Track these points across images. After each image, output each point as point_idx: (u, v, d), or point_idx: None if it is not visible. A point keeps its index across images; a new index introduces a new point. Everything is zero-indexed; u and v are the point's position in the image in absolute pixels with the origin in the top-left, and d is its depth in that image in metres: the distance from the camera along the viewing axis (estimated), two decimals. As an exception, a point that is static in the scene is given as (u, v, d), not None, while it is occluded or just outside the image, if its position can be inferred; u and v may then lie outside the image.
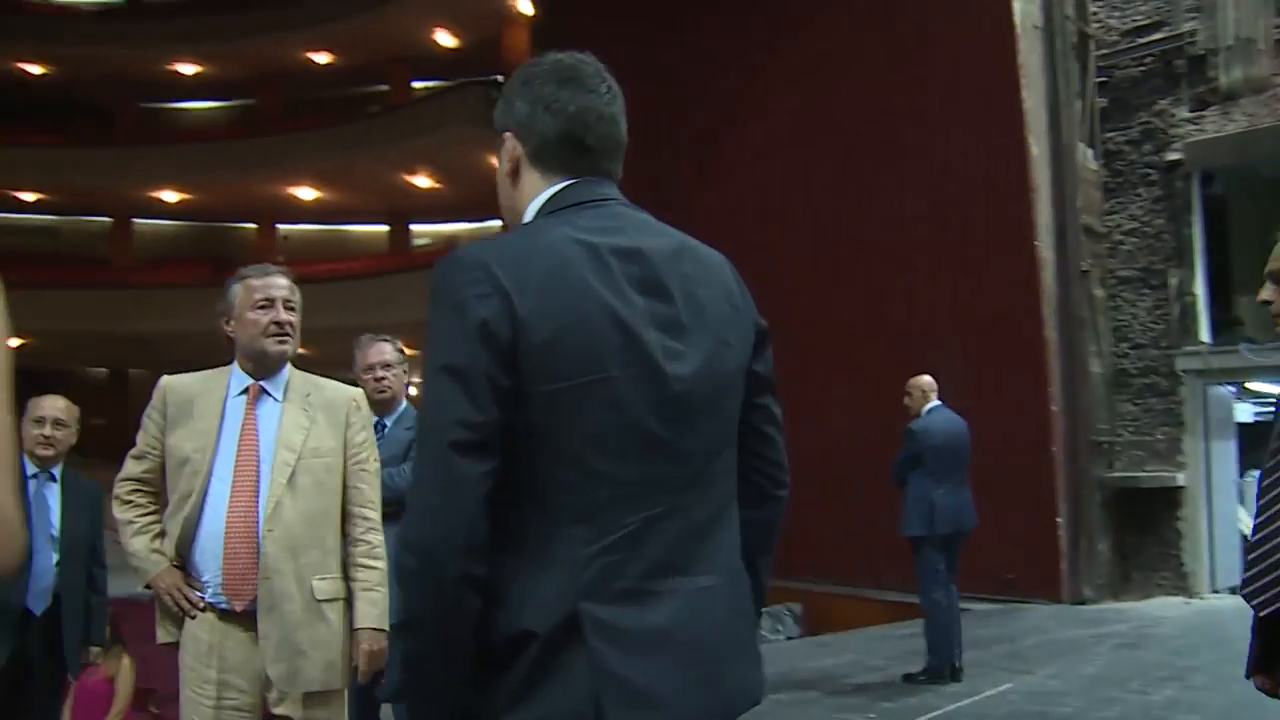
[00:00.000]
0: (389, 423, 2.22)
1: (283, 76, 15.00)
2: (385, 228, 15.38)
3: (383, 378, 2.19)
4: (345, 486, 1.44)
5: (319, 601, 1.37)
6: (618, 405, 0.69)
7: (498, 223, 13.29)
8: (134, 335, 13.94)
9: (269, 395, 1.42)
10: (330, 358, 11.68)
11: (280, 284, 1.47)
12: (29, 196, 15.51)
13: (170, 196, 15.20)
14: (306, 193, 14.41)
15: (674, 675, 0.66)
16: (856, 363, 6.46)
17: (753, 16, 7.46)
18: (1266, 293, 1.18)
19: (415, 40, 14.00)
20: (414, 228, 15.48)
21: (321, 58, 14.58)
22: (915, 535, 3.59)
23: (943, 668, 3.61)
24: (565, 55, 0.80)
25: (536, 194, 0.78)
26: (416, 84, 14.66)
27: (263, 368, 1.42)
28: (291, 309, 1.48)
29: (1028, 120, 5.93)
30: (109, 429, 13.21)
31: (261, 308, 1.44)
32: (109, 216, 15.95)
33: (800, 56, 7.20)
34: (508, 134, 0.80)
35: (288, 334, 1.44)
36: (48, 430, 2.28)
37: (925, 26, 6.55)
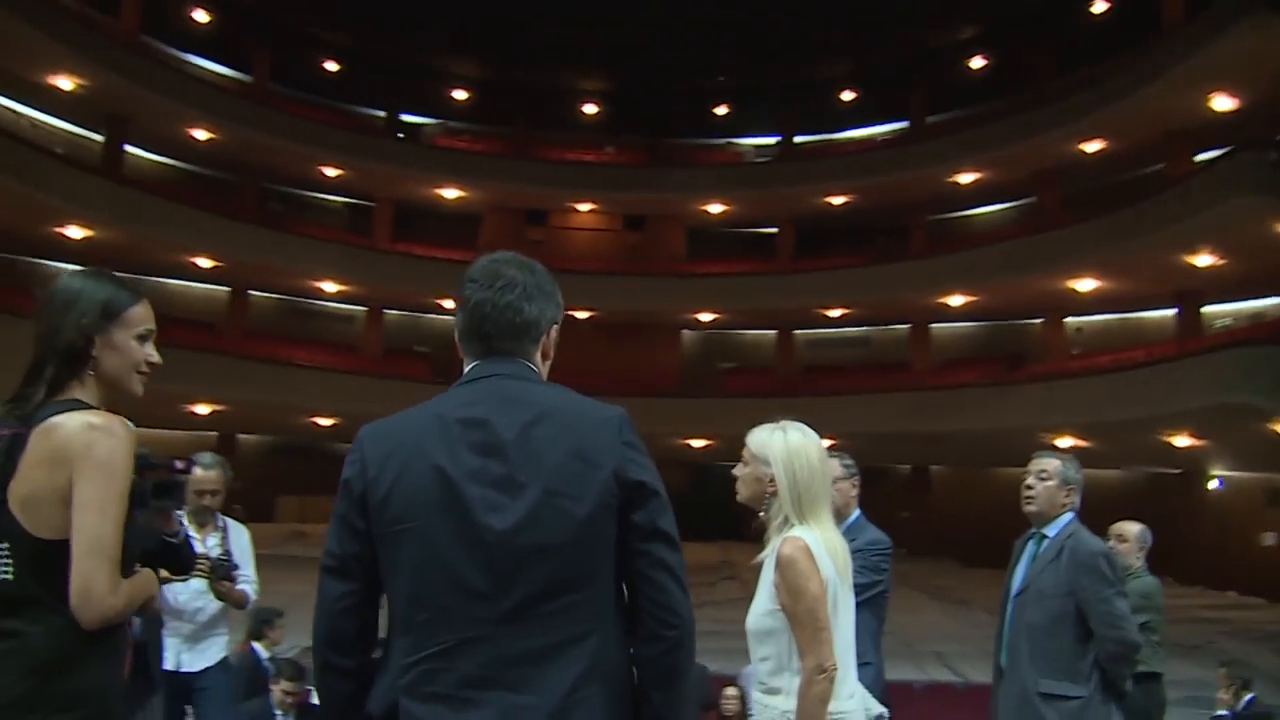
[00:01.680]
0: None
1: (1057, 170, 26.57)
2: (1173, 311, 24.80)
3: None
4: None
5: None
6: (432, 546, 1.66)
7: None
8: (931, 434, 27.05)
9: None
10: (1112, 452, 22.50)
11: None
12: (835, 312, 31.34)
13: (956, 300, 28.04)
14: (1086, 283, 24.86)
15: None
16: None
17: None
18: None
19: (1190, 110, 22.81)
20: (1209, 309, 24.63)
21: (1093, 146, 25.50)
22: None
23: None
24: (488, 258, 1.96)
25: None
26: (1198, 157, 23.72)
27: None
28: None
29: None
30: (914, 522, 26.23)
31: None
32: (908, 323, 30.20)
33: None
34: None
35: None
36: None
37: None
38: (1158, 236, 22.22)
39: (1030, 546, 4.55)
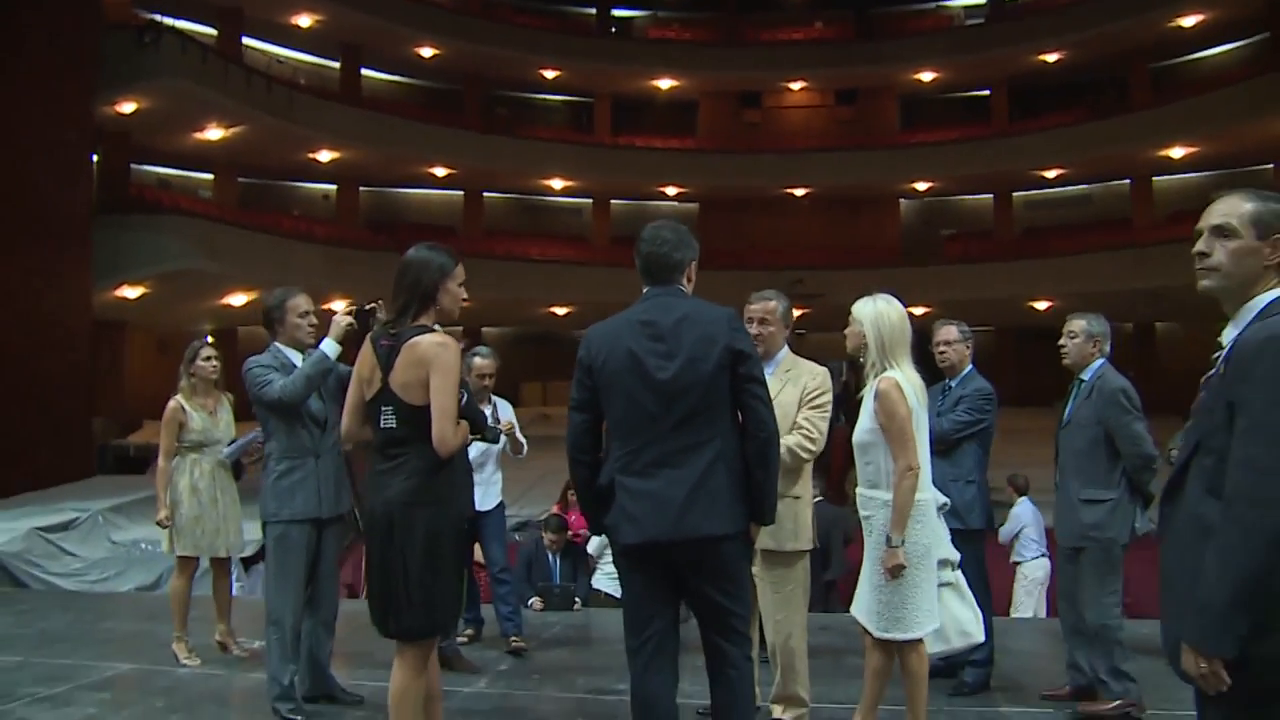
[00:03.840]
0: (954, 384, 5.77)
1: None
2: None
3: (944, 352, 5.79)
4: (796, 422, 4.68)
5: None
6: (628, 393, 3.57)
7: None
8: (1156, 290, 26.93)
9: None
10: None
11: (755, 308, 4.90)
12: (1052, 173, 30.83)
13: (1178, 152, 27.68)
14: None
15: (649, 509, 3.51)
16: None
17: None
18: (1201, 244, 2.56)
19: None
20: None
21: None
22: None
23: None
24: (651, 225, 3.86)
25: None
26: None
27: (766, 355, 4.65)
28: (765, 322, 4.84)
29: None
30: (1137, 380, 26.15)
31: (749, 320, 4.80)
32: (1129, 179, 29.91)
33: None
34: None
35: (760, 338, 4.69)
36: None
37: None
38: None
39: (1074, 389, 5.63)
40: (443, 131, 29.92)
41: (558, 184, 32.55)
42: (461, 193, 32.66)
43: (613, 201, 34.21)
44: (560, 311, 30.45)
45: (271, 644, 5.14)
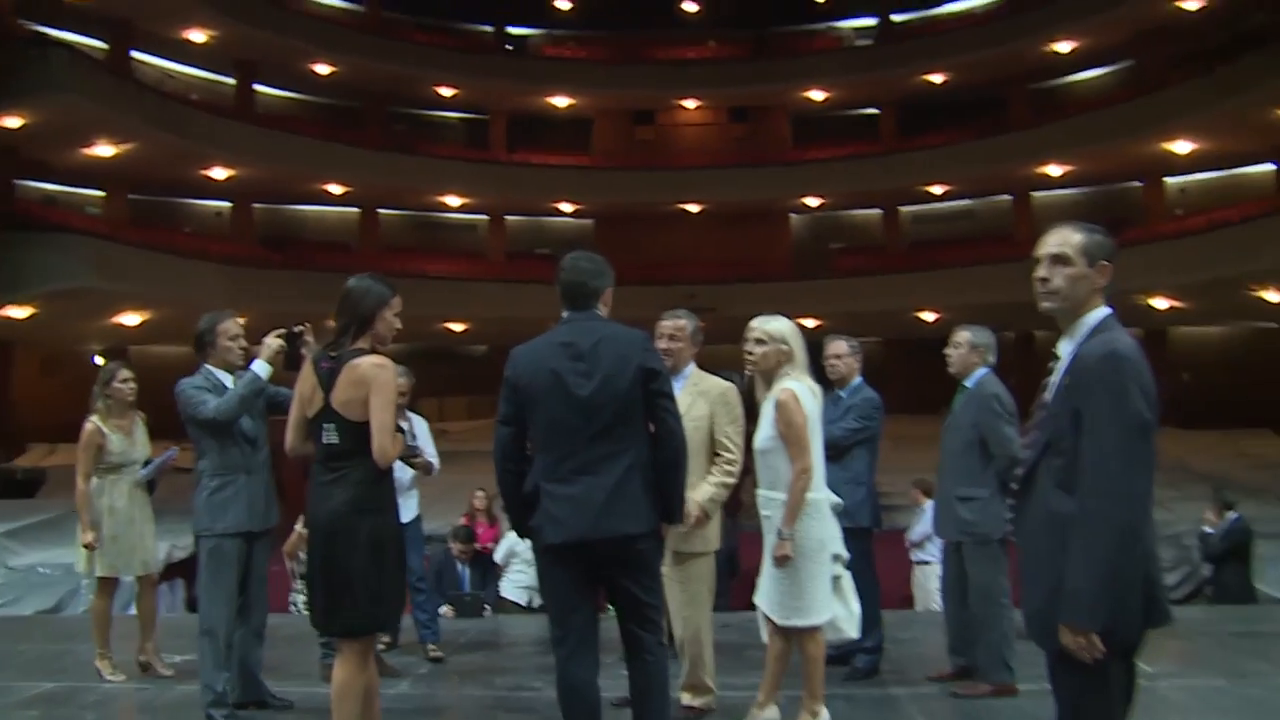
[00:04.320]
0: (844, 394, 6.25)
1: (1159, 31, 26.95)
2: (1275, 167, 25.36)
3: (834, 364, 6.28)
4: (712, 435, 5.15)
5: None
6: (549, 409, 3.95)
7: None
8: (1033, 302, 28.00)
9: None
10: (1207, 310, 23.47)
11: (667, 325, 5.34)
12: (938, 189, 31.95)
13: (1056, 169, 28.90)
14: (1184, 145, 25.54)
15: (571, 512, 3.90)
16: None
17: None
18: (1041, 270, 3.05)
19: (1291, -38, 23.81)
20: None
21: (1192, 4, 25.81)
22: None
23: None
24: (570, 256, 4.27)
25: None
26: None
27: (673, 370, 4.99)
28: (675, 339, 5.29)
29: None
30: (1018, 386, 27.37)
31: (660, 337, 5.22)
32: (1010, 195, 31.21)
33: None
34: None
35: (669, 353, 5.18)
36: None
37: None
38: (1263, 91, 22.56)
39: (958, 395, 6.14)
40: (339, 148, 29.91)
41: (454, 200, 32.72)
42: (358, 210, 32.63)
43: (508, 218, 34.49)
44: (456, 327, 30.58)
45: (205, 653, 5.37)
